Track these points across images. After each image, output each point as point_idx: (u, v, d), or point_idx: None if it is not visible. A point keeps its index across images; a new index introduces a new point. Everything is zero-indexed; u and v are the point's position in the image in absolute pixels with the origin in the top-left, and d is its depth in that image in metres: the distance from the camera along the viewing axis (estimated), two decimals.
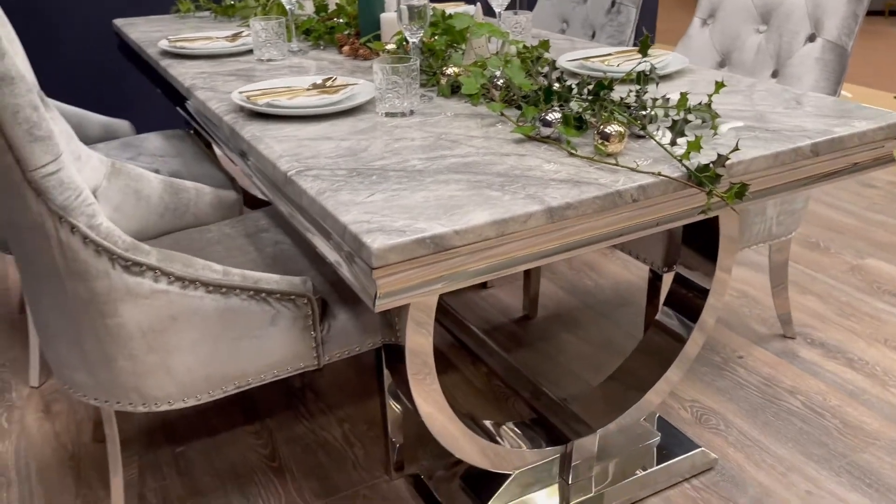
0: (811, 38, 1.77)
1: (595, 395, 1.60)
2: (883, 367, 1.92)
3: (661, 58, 1.60)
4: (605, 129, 1.09)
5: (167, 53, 1.87)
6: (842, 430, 1.70)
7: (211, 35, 1.97)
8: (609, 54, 1.65)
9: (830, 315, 2.16)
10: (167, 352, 1.17)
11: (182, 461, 1.63)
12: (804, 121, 1.25)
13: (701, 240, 1.43)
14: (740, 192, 1.04)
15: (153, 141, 2.06)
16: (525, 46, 1.51)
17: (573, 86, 1.22)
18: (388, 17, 1.78)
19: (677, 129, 1.08)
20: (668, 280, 1.64)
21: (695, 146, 1.03)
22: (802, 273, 2.39)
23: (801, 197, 1.79)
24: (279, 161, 1.13)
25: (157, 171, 1.81)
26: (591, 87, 1.20)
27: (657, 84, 1.24)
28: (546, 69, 1.31)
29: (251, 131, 1.27)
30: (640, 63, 1.47)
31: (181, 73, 1.69)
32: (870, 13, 7.26)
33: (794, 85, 1.77)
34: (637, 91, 1.20)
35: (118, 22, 2.36)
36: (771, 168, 1.14)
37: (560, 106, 1.21)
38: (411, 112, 1.34)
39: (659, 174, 1.04)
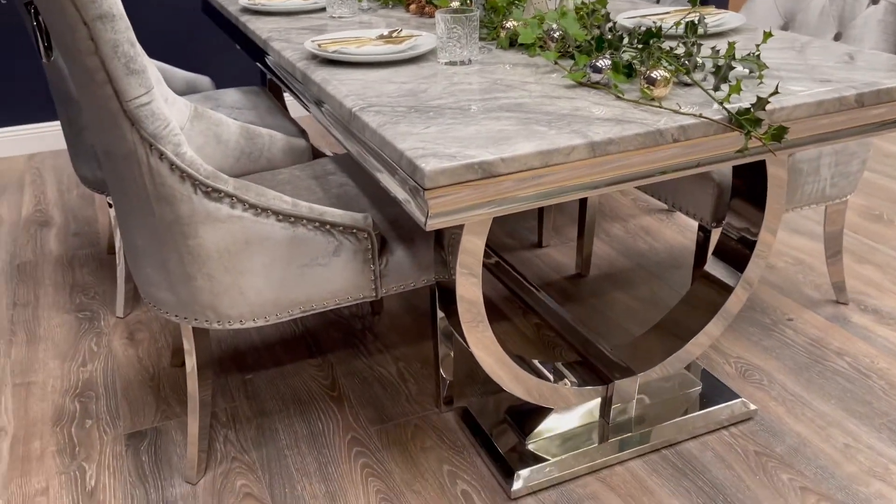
0: (874, 1, 1.76)
1: (638, 343, 1.66)
2: None
3: (719, 16, 1.63)
4: (651, 74, 1.15)
5: (246, 10, 1.99)
6: (887, 391, 1.71)
7: None
8: (668, 12, 1.68)
9: (887, 284, 2.15)
10: (240, 273, 1.30)
11: (250, 386, 1.77)
12: (853, 73, 1.27)
13: (750, 192, 1.47)
14: (778, 134, 1.08)
15: (231, 95, 2.19)
16: (583, 2, 1.56)
17: (624, 35, 1.28)
18: None
19: (721, 75, 1.13)
20: (716, 238, 1.68)
21: (736, 89, 1.08)
22: (862, 243, 2.37)
23: (857, 160, 1.80)
24: (345, 99, 1.23)
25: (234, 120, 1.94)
26: (640, 36, 1.26)
27: (706, 30, 1.28)
28: (600, 22, 1.36)
29: (321, 75, 1.37)
30: (689, 13, 1.51)
31: (259, 27, 1.81)
32: None
33: (855, 46, 1.77)
34: (685, 41, 1.24)
35: None
36: (814, 116, 1.18)
37: (611, 54, 1.27)
38: (470, 61, 1.42)
39: (700, 115, 1.09)
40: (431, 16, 1.86)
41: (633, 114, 1.11)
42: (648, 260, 2.33)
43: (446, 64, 1.41)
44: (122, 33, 1.11)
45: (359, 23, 1.82)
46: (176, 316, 1.37)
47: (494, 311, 2.07)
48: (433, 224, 0.99)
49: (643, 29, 1.29)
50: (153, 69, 1.47)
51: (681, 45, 1.27)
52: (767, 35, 1.22)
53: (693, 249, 2.37)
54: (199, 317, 1.35)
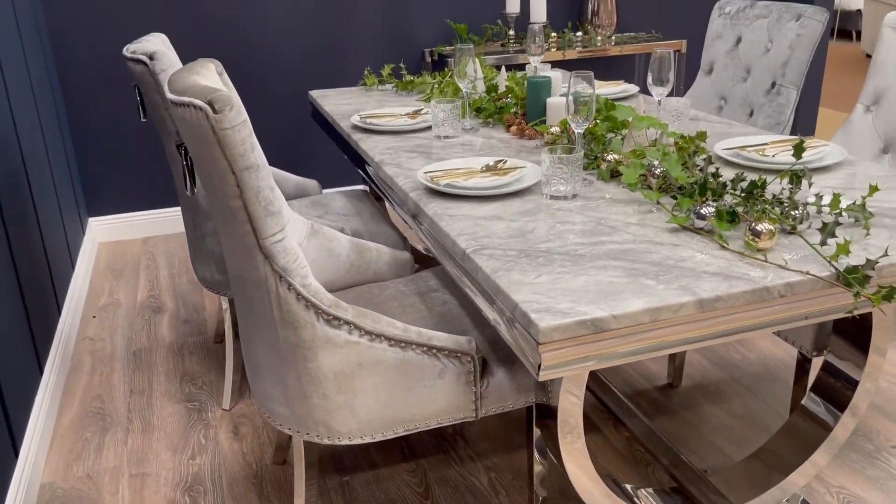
0: None
1: (737, 470, 1.64)
2: None
3: (819, 149, 1.66)
4: (757, 227, 1.19)
5: (357, 128, 2.14)
6: None
7: (395, 112, 2.23)
8: (765, 144, 1.72)
9: None
10: (353, 394, 1.38)
11: (347, 489, 1.83)
12: None
13: (853, 328, 1.47)
14: (888, 295, 1.10)
15: (337, 200, 2.34)
16: (682, 136, 1.62)
17: (727, 182, 1.33)
18: (554, 101, 1.95)
19: (828, 231, 1.16)
20: (817, 364, 1.67)
21: (844, 249, 1.11)
22: None
23: None
24: (459, 239, 1.31)
25: (342, 230, 2.07)
26: (744, 184, 1.30)
27: (810, 182, 1.32)
28: (702, 163, 1.42)
29: (434, 209, 1.47)
30: (794, 165, 1.54)
31: (370, 146, 1.95)
32: None
33: None
34: (790, 189, 1.28)
35: (314, 93, 2.70)
36: None
37: (714, 200, 1.32)
38: (573, 196, 1.49)
39: (807, 273, 1.12)
40: (532, 138, 1.96)
41: (739, 267, 1.15)
42: (743, 372, 2.30)
43: (550, 198, 1.49)
44: (263, 180, 1.24)
45: (462, 144, 1.94)
46: (289, 429, 1.46)
47: (586, 422, 2.08)
48: (545, 375, 1.04)
49: (744, 173, 1.33)
50: (279, 192, 1.60)
51: (784, 190, 1.31)
52: (874, 189, 1.25)
53: (788, 363, 2.33)
54: (312, 432, 1.43)
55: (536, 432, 1.59)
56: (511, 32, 3.73)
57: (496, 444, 1.99)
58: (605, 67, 4.07)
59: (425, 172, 1.61)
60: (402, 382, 1.40)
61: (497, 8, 3.78)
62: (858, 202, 1.27)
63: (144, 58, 1.82)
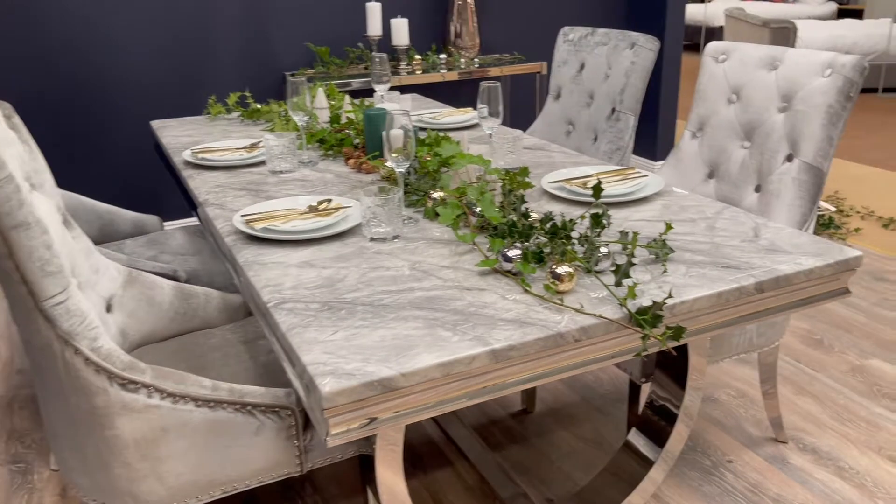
0: (789, 158, 1.86)
1: (579, 497, 1.65)
2: (873, 478, 1.92)
3: (639, 180, 1.70)
4: (557, 270, 1.19)
5: (189, 164, 2.04)
6: None
7: (231, 146, 2.14)
8: (589, 176, 1.75)
9: (826, 419, 2.17)
10: (158, 460, 1.29)
11: None
12: (754, 257, 1.33)
13: (672, 360, 1.51)
14: (675, 335, 1.12)
15: (177, 238, 2.22)
16: (507, 172, 1.63)
17: (535, 225, 1.33)
18: (393, 134, 1.92)
19: (621, 272, 1.17)
20: (647, 388, 1.71)
21: (632, 293, 1.12)
22: (802, 372, 2.41)
23: None
24: (263, 291, 1.25)
25: (174, 271, 1.96)
26: (549, 228, 1.31)
27: (608, 223, 1.33)
28: (517, 204, 1.42)
29: (246, 256, 1.40)
30: (612, 175, 1.57)
31: (198, 184, 1.86)
32: (863, 91, 7.31)
33: (773, 201, 1.85)
34: (589, 230, 1.30)
35: (154, 124, 2.57)
36: (714, 306, 1.22)
37: (522, 241, 1.32)
38: (394, 237, 1.46)
39: (600, 316, 1.13)
40: (369, 172, 1.92)
41: (537, 312, 1.14)
42: (594, 393, 2.34)
43: (371, 240, 1.45)
44: (36, 239, 1.14)
45: (296, 180, 1.88)
46: (94, 500, 1.35)
47: (437, 457, 2.05)
48: (334, 441, 1.00)
49: (553, 219, 1.34)
50: (84, 242, 1.49)
51: (588, 232, 1.32)
52: (668, 227, 1.28)
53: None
54: (117, 502, 1.33)
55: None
56: (383, 54, 3.69)
57: (345, 487, 1.93)
58: (472, 90, 4.10)
59: (242, 216, 1.54)
60: (215, 443, 1.32)
61: (359, 30, 3.74)
62: (658, 239, 1.30)
63: None
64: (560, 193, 1.65)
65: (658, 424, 1.58)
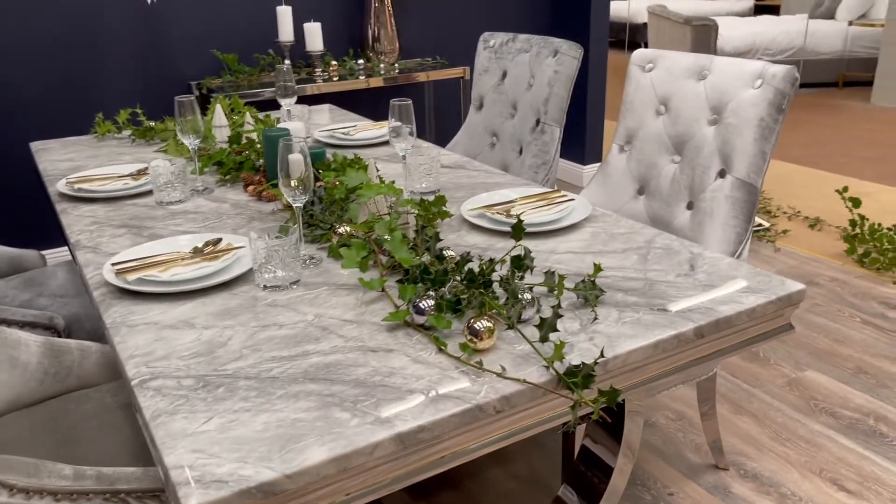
0: (721, 174, 1.75)
1: None
2: (816, 503, 1.84)
3: (565, 206, 1.56)
4: (475, 325, 1.03)
5: (64, 196, 1.80)
6: None
7: (115, 172, 1.91)
8: (513, 201, 1.61)
9: (765, 440, 2.09)
10: None
11: None
12: (692, 296, 1.20)
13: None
14: (610, 398, 0.98)
15: (59, 276, 1.98)
16: (422, 201, 1.46)
17: (450, 268, 1.17)
18: (296, 158, 1.73)
19: (547, 326, 1.02)
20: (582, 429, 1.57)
21: (559, 354, 0.97)
22: (739, 388, 2.34)
23: None
24: (129, 363, 1.06)
25: (51, 319, 1.73)
26: (465, 273, 1.15)
27: (531, 267, 1.18)
28: (430, 241, 1.25)
29: (114, 315, 1.20)
30: (536, 199, 1.42)
31: (71, 221, 1.63)
32: (822, 84, 7.46)
33: (706, 220, 1.74)
34: (509, 277, 1.14)
35: (34, 145, 2.31)
36: (651, 357, 1.08)
37: (436, 289, 1.16)
38: (292, 284, 1.28)
39: (524, 381, 0.97)
40: (270, 200, 1.73)
41: (453, 379, 0.98)
42: None
43: (264, 288, 1.27)
44: None
45: (187, 212, 1.67)
46: None
47: None
48: None
49: (473, 259, 1.18)
50: None
51: (506, 276, 1.17)
52: (598, 269, 1.14)
53: None
54: None
55: None
56: (286, 63, 3.48)
57: None
58: (392, 97, 3.92)
59: (112, 265, 1.33)
60: None
61: (270, 35, 3.52)
62: (587, 281, 1.16)
63: None
64: (480, 223, 1.50)
65: (590, 480, 1.44)
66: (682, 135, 1.85)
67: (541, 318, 1.02)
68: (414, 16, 3.88)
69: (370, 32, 3.71)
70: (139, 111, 2.41)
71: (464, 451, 0.95)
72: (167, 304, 1.23)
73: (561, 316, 1.04)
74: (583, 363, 0.97)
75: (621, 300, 1.19)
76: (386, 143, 2.24)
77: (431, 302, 1.11)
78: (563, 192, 1.64)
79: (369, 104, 3.88)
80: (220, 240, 1.42)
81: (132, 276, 1.27)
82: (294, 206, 1.36)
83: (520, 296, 1.10)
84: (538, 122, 2.31)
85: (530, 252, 1.18)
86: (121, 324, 1.17)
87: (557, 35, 4.22)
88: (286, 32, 3.45)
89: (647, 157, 1.94)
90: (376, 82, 3.50)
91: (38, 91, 3.03)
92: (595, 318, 1.12)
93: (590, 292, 1.15)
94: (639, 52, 1.97)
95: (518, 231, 1.14)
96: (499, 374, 0.99)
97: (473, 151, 2.57)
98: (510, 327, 1.05)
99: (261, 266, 1.26)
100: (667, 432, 2.14)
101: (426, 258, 1.21)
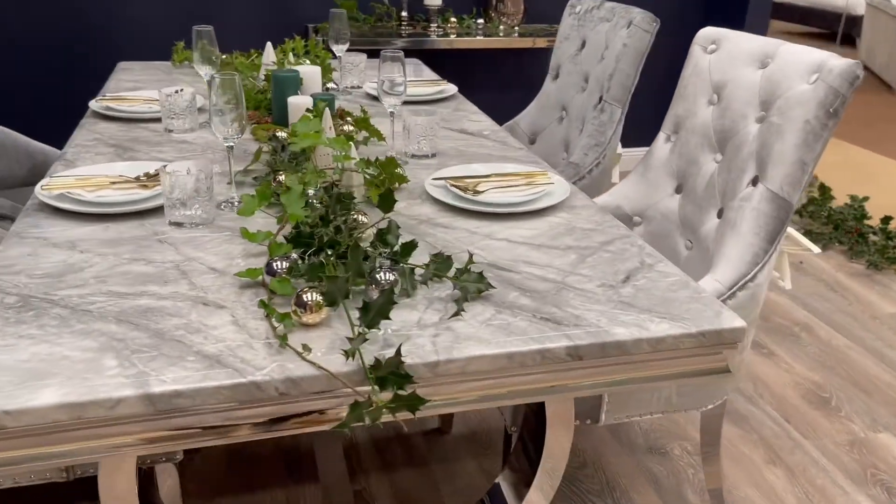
0: (754, 182, 1.48)
1: None
2: None
3: (542, 188, 1.39)
4: (303, 296, 0.93)
5: (93, 113, 1.87)
6: None
7: (150, 96, 1.96)
8: (486, 177, 1.45)
9: (790, 501, 1.79)
10: None
11: None
12: (596, 311, 1.01)
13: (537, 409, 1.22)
14: (411, 406, 0.84)
15: None
16: (371, 163, 1.35)
17: (327, 231, 1.06)
18: (296, 101, 1.68)
19: (375, 310, 0.89)
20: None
21: (358, 342, 0.84)
22: (785, 436, 2.01)
23: None
24: None
25: None
26: (328, 235, 1.04)
27: (395, 247, 1.05)
28: (332, 203, 1.15)
29: (21, 225, 1.21)
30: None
31: (81, 134, 1.69)
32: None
33: (728, 231, 1.48)
34: (370, 251, 1.02)
35: (120, 64, 2.44)
36: (503, 370, 0.92)
37: (302, 253, 1.06)
38: (197, 225, 1.23)
39: (319, 367, 0.86)
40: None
41: (249, 350, 0.89)
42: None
43: (170, 224, 1.23)
44: None
45: (183, 142, 1.67)
46: None
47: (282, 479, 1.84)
48: None
49: (346, 221, 1.07)
50: None
51: (379, 248, 1.04)
52: (471, 259, 0.98)
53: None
54: None
55: None
56: (404, 14, 3.43)
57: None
58: (503, 61, 3.75)
59: (50, 177, 1.35)
60: None
61: None
62: (469, 271, 1.00)
63: None
64: (437, 195, 1.36)
65: (518, 489, 1.30)
66: (727, 130, 1.58)
67: (364, 301, 0.90)
68: None
69: None
70: None
71: (228, 429, 0.86)
72: (73, 224, 1.23)
73: (395, 303, 0.91)
74: (387, 358, 0.84)
75: (511, 300, 1.02)
76: (428, 101, 2.12)
77: (286, 264, 1.02)
78: (550, 175, 1.46)
79: (477, 66, 3.73)
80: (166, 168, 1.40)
81: (56, 191, 1.29)
82: (226, 145, 1.31)
83: (377, 274, 0.98)
84: (601, 98, 2.09)
85: (398, 227, 1.04)
86: (16, 234, 1.18)
87: (709, 15, 3.82)
88: None
89: (689, 151, 1.68)
90: (488, 43, 3.36)
91: (164, 25, 3.21)
92: (457, 314, 0.97)
93: (470, 284, 1.00)
94: (705, 31, 1.70)
95: (387, 203, 1.01)
96: (298, 353, 0.88)
97: (540, 125, 2.38)
98: (330, 304, 0.93)
99: (169, 201, 1.23)
100: (676, 465, 1.90)
101: (328, 226, 1.11)
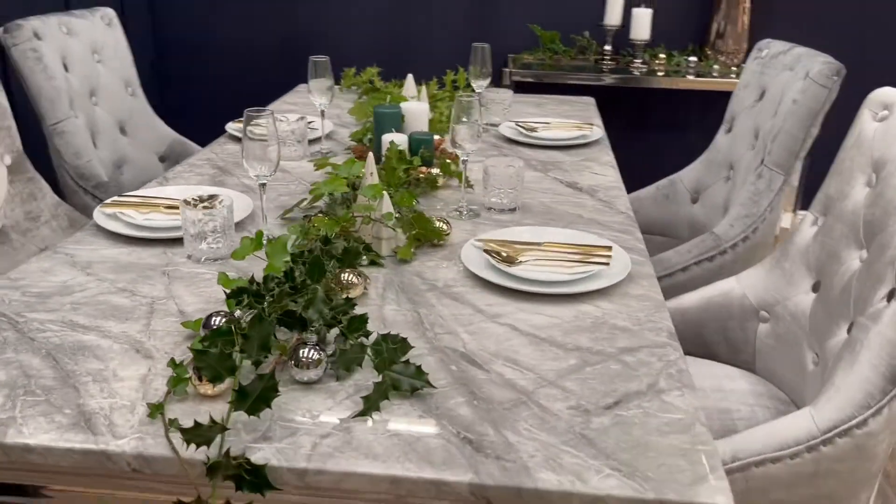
0: (889, 296, 1.11)
1: None
2: None
3: (594, 266, 1.16)
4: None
5: (230, 136, 1.96)
6: None
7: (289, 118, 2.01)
8: (539, 244, 1.25)
9: None
10: None
11: None
12: (548, 443, 0.79)
13: None
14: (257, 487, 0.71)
15: None
16: (401, 216, 1.23)
17: (283, 290, 0.96)
18: (388, 138, 1.61)
19: (255, 393, 0.78)
20: None
21: (175, 423, 0.73)
22: None
23: None
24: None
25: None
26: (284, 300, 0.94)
27: (363, 332, 0.91)
28: (308, 256, 1.04)
29: (71, 239, 1.28)
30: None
31: (213, 145, 1.78)
32: None
33: (847, 353, 1.12)
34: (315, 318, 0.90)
35: (299, 88, 2.57)
36: (386, 499, 0.76)
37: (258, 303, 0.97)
38: (214, 260, 1.21)
39: (172, 447, 0.77)
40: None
41: (127, 412, 0.83)
42: None
43: (188, 258, 1.22)
44: None
45: (283, 169, 1.68)
46: None
47: None
48: None
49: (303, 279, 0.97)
50: None
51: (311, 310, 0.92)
52: (405, 345, 0.82)
53: None
54: None
55: None
56: (607, 48, 3.22)
57: None
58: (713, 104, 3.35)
59: (119, 197, 1.42)
60: None
61: (596, 18, 3.28)
62: (401, 362, 0.84)
63: None
64: (469, 259, 1.20)
65: None
66: (876, 222, 1.21)
67: (240, 384, 0.79)
68: (778, 15, 3.23)
69: (714, 27, 3.21)
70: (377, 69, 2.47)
71: (77, 497, 0.80)
72: (107, 244, 1.27)
73: (275, 387, 0.79)
74: (222, 456, 0.72)
75: (447, 407, 0.84)
76: (569, 147, 1.93)
77: (221, 321, 0.94)
78: (610, 250, 1.22)
79: (682, 107, 3.38)
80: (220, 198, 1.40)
81: (110, 210, 1.34)
82: (258, 183, 1.27)
83: (300, 351, 0.87)
84: (762, 161, 1.75)
85: (328, 300, 0.91)
86: (54, 248, 1.25)
87: None
88: (614, 16, 3.19)
89: (833, 241, 1.32)
90: (692, 84, 3.03)
91: (371, 45, 3.34)
92: (362, 414, 0.82)
93: (404, 378, 0.85)
94: (879, 92, 1.33)
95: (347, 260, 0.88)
96: (170, 425, 0.80)
97: (705, 182, 2.06)
98: (212, 380, 0.83)
99: (194, 236, 1.22)
100: None
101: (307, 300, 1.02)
